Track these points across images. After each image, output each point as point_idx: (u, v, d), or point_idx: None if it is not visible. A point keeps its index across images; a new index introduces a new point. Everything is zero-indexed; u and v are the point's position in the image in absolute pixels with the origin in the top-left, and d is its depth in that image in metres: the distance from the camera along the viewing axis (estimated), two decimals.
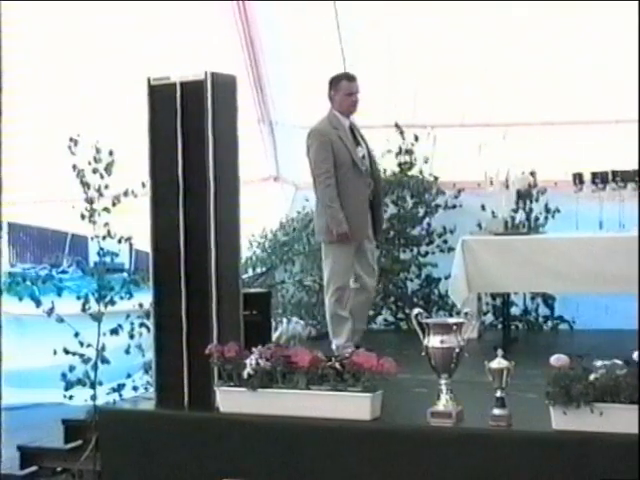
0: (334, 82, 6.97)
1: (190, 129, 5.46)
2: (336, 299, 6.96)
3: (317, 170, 6.90)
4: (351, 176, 6.84)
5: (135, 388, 6.24)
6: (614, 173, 7.52)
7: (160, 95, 5.55)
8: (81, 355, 6.00)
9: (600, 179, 7.50)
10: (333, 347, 6.94)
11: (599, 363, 4.67)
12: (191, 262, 5.50)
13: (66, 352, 6.10)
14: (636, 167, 7.55)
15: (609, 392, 4.53)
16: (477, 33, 8.51)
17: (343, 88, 6.93)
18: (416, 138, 8.77)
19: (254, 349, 5.22)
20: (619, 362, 4.64)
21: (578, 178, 7.15)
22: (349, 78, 6.99)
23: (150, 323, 5.77)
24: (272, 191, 9.92)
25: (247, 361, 5.17)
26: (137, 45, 8.00)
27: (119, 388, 6.20)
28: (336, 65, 9.06)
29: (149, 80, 5.59)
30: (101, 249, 6.00)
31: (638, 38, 7.56)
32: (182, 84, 5.50)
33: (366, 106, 7.25)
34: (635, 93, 7.81)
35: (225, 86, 5.54)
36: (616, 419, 4.50)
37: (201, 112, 5.42)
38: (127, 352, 6.36)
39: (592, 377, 4.58)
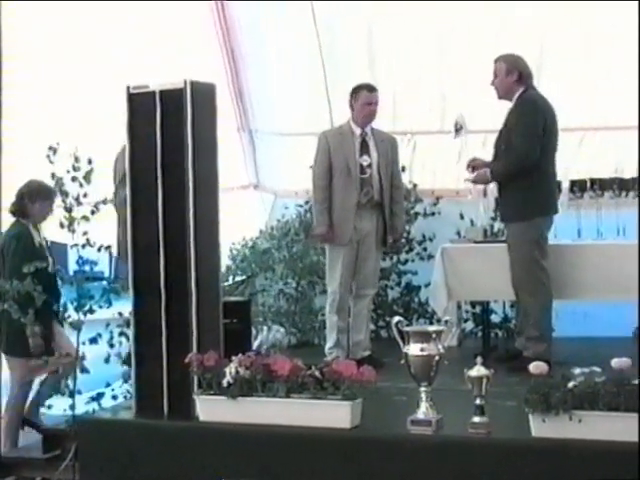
0: (355, 91, 7.12)
1: (169, 138, 5.46)
2: (329, 303, 7.10)
3: (313, 171, 7.17)
4: (342, 181, 6.99)
5: (114, 397, 6.23)
6: (592, 181, 7.57)
7: (139, 104, 5.54)
8: None
9: (578, 187, 7.55)
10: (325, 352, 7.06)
11: (578, 371, 4.70)
12: (171, 270, 5.50)
13: (45, 361, 6.09)
14: (612, 175, 7.60)
15: (588, 399, 4.56)
16: (458, 38, 8.55)
17: (362, 97, 7.07)
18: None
19: (234, 357, 5.22)
20: (597, 369, 4.67)
21: (557, 186, 7.18)
22: (370, 89, 7.12)
23: (130, 332, 5.76)
24: (252, 199, 9.92)
25: (227, 370, 5.17)
26: (116, 52, 7.98)
27: (98, 397, 6.18)
28: (316, 73, 9.10)
29: (128, 88, 5.58)
30: (80, 258, 5.99)
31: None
32: (161, 92, 5.49)
33: (345, 112, 7.28)
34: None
35: (204, 94, 5.54)
36: (595, 426, 4.53)
37: (180, 121, 5.41)
38: (106, 361, 6.35)
39: (571, 385, 4.61)
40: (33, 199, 6.61)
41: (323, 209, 7.01)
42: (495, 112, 7.10)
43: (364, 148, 7.09)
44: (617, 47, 8.14)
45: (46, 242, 6.64)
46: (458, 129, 7.57)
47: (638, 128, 7.70)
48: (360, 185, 7.00)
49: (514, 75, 6.78)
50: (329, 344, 7.08)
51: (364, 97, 7.07)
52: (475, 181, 7.15)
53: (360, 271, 7.10)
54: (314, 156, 7.20)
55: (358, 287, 7.13)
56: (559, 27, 8.24)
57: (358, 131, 7.11)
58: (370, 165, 7.07)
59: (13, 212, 6.63)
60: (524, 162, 6.63)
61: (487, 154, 7.17)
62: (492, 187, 7.30)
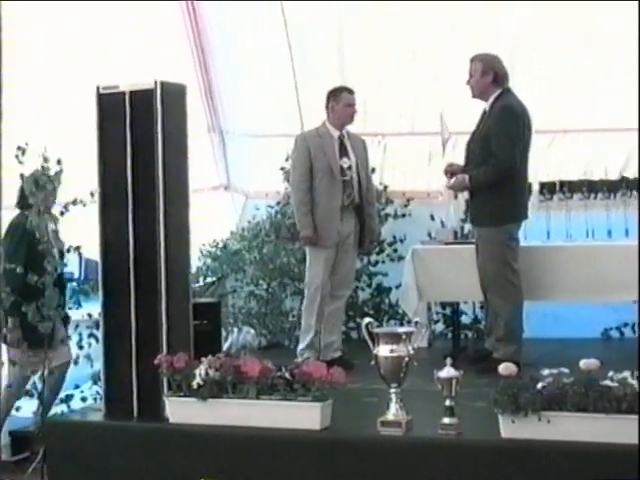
0: (335, 93, 7.13)
1: (139, 138, 5.45)
2: (307, 304, 7.09)
3: (293, 174, 7.19)
4: (326, 183, 6.99)
5: (84, 399, 6.21)
6: (561, 183, 7.62)
7: (109, 104, 5.53)
8: None
9: (548, 189, 7.59)
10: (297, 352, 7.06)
11: (546, 372, 4.73)
12: (141, 272, 5.49)
13: (13, 363, 6.05)
14: (581, 177, 7.66)
15: (556, 400, 4.60)
16: (430, 39, 8.55)
17: (344, 99, 7.09)
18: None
19: (204, 359, 5.22)
20: (566, 371, 4.70)
21: (527, 188, 7.21)
22: (349, 90, 7.15)
23: (99, 333, 5.73)
24: (222, 200, 9.91)
25: (197, 371, 5.17)
26: (86, 52, 7.93)
27: (67, 399, 6.17)
28: (286, 74, 9.09)
29: (98, 89, 5.56)
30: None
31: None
32: (131, 93, 5.48)
33: (315, 114, 7.29)
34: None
35: (175, 95, 5.54)
36: (563, 427, 4.57)
37: (150, 121, 5.41)
38: (75, 363, 6.33)
39: (539, 386, 4.64)
40: (33, 189, 6.46)
41: (307, 211, 6.98)
42: (466, 114, 7.12)
43: (343, 150, 7.11)
44: (588, 49, 8.17)
45: (55, 234, 6.45)
46: (447, 138, 7.58)
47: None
48: (342, 187, 7.02)
49: (490, 76, 6.78)
50: (302, 345, 7.08)
51: (345, 99, 7.08)
52: (453, 187, 7.14)
53: (337, 272, 7.11)
54: (292, 158, 7.20)
55: (334, 288, 7.13)
56: (531, 28, 8.25)
57: (336, 133, 7.11)
58: (350, 167, 7.09)
59: (18, 204, 6.47)
60: (506, 172, 6.64)
61: (457, 156, 7.19)
62: None
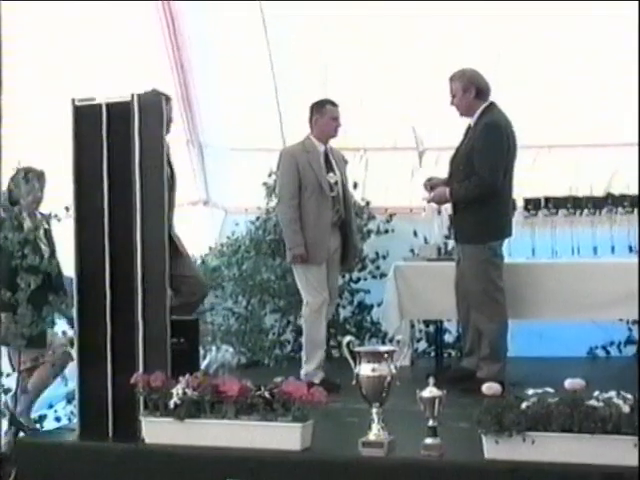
0: (318, 106, 7.10)
1: (116, 152, 5.44)
2: (310, 319, 7.01)
3: (281, 190, 7.12)
4: (315, 200, 6.96)
5: (58, 419, 6.17)
6: (546, 199, 7.65)
7: (85, 117, 5.51)
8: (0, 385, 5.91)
9: (533, 205, 7.62)
10: (302, 373, 6.95)
11: (531, 391, 4.73)
12: (117, 288, 5.46)
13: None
14: (566, 194, 7.69)
15: (541, 421, 4.60)
16: (412, 54, 8.61)
17: (329, 112, 7.07)
18: (345, 162, 8.85)
19: (181, 378, 5.20)
20: (551, 390, 4.71)
21: (511, 204, 7.24)
22: (333, 103, 7.13)
23: (73, 351, 5.71)
24: (201, 215, 9.89)
25: (174, 390, 5.14)
26: (63, 64, 7.93)
27: (40, 419, 6.12)
28: (267, 86, 9.11)
29: (73, 101, 5.55)
30: None
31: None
32: (108, 105, 5.47)
33: (297, 128, 7.30)
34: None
35: (153, 106, 5.52)
36: (548, 448, 4.56)
37: (127, 134, 5.40)
38: None
39: (524, 406, 4.64)
40: (19, 184, 6.44)
41: (298, 229, 6.92)
42: (449, 129, 7.16)
43: (328, 165, 7.11)
44: (572, 65, 8.25)
45: (46, 231, 6.40)
46: (422, 151, 7.61)
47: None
48: (332, 203, 7.02)
49: (472, 92, 6.81)
50: (312, 366, 6.98)
51: (330, 112, 7.07)
52: (433, 200, 7.16)
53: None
54: (278, 174, 7.15)
55: None
56: (514, 44, 8.32)
57: (322, 147, 7.10)
58: (336, 182, 7.09)
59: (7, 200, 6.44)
60: (487, 190, 6.67)
61: (440, 172, 7.21)
62: (447, 205, 7.34)
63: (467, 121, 6.90)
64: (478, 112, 6.82)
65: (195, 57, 9.41)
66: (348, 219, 7.15)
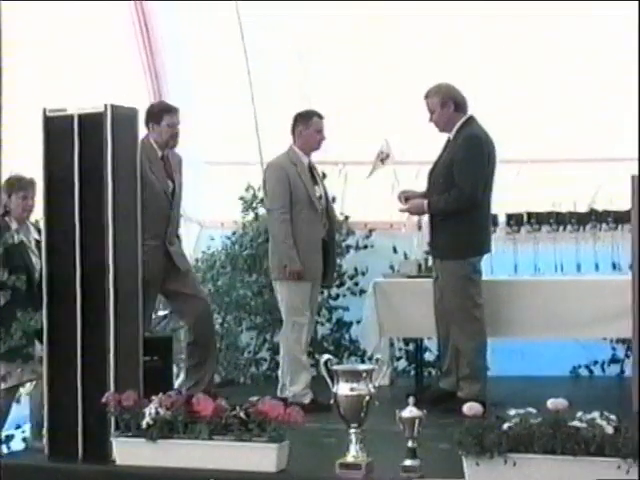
0: (304, 118, 7.08)
1: (88, 165, 5.42)
2: (295, 339, 6.97)
3: (272, 205, 7.03)
4: (306, 214, 6.94)
5: (25, 440, 6.12)
6: (529, 215, 7.66)
7: (56, 128, 5.50)
8: None
9: (515, 221, 7.63)
10: (288, 395, 6.89)
11: (513, 412, 4.73)
12: (88, 304, 5.44)
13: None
14: (549, 209, 7.70)
15: (523, 442, 4.59)
16: (392, 67, 8.62)
17: (314, 124, 7.06)
18: (324, 175, 8.85)
19: (154, 397, 5.19)
20: (533, 410, 4.71)
21: (492, 220, 7.25)
22: (319, 115, 7.11)
23: (42, 369, 5.67)
24: None
25: (146, 410, 5.13)
26: (35, 73, 7.91)
27: (7, 440, 6.07)
28: (244, 98, 9.09)
29: (45, 111, 5.53)
30: None
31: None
32: (80, 116, 5.46)
33: (272, 141, 7.28)
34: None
35: (126, 119, 5.52)
36: (530, 470, 4.56)
37: (100, 146, 5.38)
38: (17, 401, 6.24)
39: (505, 426, 4.63)
40: (9, 193, 6.40)
41: (292, 244, 6.86)
42: (428, 143, 7.17)
43: (314, 178, 7.11)
44: (556, 78, 8.29)
45: (37, 242, 6.34)
46: (383, 158, 7.61)
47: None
48: (321, 218, 7.02)
49: (450, 106, 6.85)
50: (299, 387, 6.94)
51: (316, 124, 7.06)
52: (409, 211, 7.17)
53: None
54: (269, 187, 7.05)
55: None
56: (496, 56, 8.36)
57: (306, 160, 7.09)
58: (321, 197, 7.09)
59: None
60: (467, 203, 6.69)
61: (420, 186, 7.21)
62: (427, 220, 7.35)
63: (447, 135, 6.93)
64: (457, 125, 6.86)
65: (170, 66, 9.39)
66: (332, 234, 7.14)
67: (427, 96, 6.92)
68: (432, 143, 7.09)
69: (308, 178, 7.03)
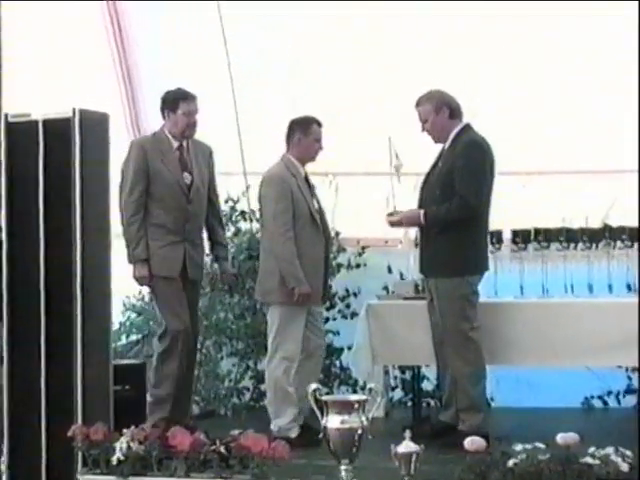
0: (303, 125, 7.04)
1: (54, 174, 5.43)
2: (284, 369, 6.92)
3: (276, 221, 6.94)
4: (308, 231, 6.93)
5: None
6: (537, 231, 7.66)
7: (19, 135, 5.51)
8: None
9: (521, 238, 7.62)
10: (273, 428, 6.87)
11: (519, 447, 4.73)
12: (53, 328, 5.43)
13: None
14: (559, 225, 7.72)
15: None
16: (393, 70, 8.70)
17: (314, 133, 7.04)
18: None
19: (125, 431, 5.17)
20: (541, 446, 4.70)
21: (496, 236, 7.26)
22: (319, 123, 7.09)
23: (3, 399, 5.65)
24: None
25: (117, 445, 5.12)
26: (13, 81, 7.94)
27: None
28: (225, 105, 9.10)
29: (6, 117, 5.54)
30: None
31: (638, 57, 7.80)
32: (45, 122, 5.46)
33: (257, 151, 7.28)
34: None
35: (96, 125, 5.53)
36: None
37: (67, 154, 5.38)
38: None
39: (511, 463, 4.63)
40: None
41: (298, 264, 6.83)
42: (428, 152, 7.18)
43: (310, 190, 7.11)
44: (567, 85, 8.39)
45: None
46: (398, 165, 7.62)
47: (638, 172, 7.83)
48: (322, 234, 7.03)
49: (445, 112, 6.87)
50: (285, 420, 6.89)
51: (315, 132, 7.04)
52: (402, 222, 7.14)
53: (308, 324, 7.02)
54: (268, 201, 6.99)
55: (307, 341, 7.02)
56: (496, 56, 8.48)
57: (302, 171, 7.08)
58: (318, 210, 7.09)
59: None
60: (470, 212, 6.71)
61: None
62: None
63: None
64: (453, 133, 6.88)
65: (145, 70, 9.42)
66: (327, 252, 7.15)
67: (418, 104, 6.95)
68: (431, 152, 7.10)
69: (307, 191, 7.03)
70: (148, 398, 6.97)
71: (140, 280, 6.97)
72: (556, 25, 8.35)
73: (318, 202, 7.16)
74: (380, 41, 8.67)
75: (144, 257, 6.83)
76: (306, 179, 7.11)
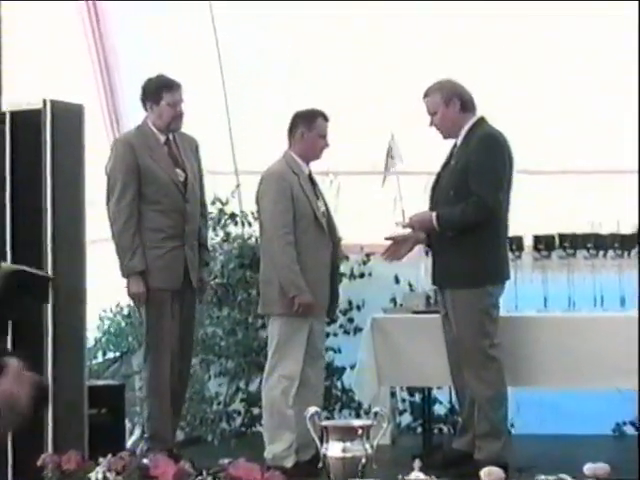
0: (307, 118, 7.04)
1: (22, 171, 5.42)
2: (282, 390, 6.91)
3: (274, 222, 6.94)
4: (312, 234, 6.95)
5: None
6: (562, 237, 7.63)
7: None
8: None
9: (545, 245, 7.60)
10: (267, 456, 6.87)
11: (542, 478, 4.71)
12: (21, 344, 5.39)
13: None
14: (586, 231, 7.71)
15: None
16: (393, 63, 8.77)
17: (318, 127, 7.04)
18: None
19: (102, 459, 5.14)
20: (567, 477, 4.68)
21: (516, 243, 7.23)
22: (325, 117, 7.08)
23: None
24: None
25: (92, 475, 5.09)
26: None
27: None
28: (215, 99, 9.13)
29: None
30: None
31: (638, 57, 7.90)
32: (13, 114, 5.46)
33: (255, 150, 7.28)
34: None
35: (69, 117, 5.53)
36: None
37: (38, 148, 5.38)
38: None
39: None
40: None
41: (298, 270, 6.83)
42: (437, 149, 7.18)
43: (315, 190, 7.11)
44: (555, 79, 8.62)
45: None
46: (392, 156, 7.58)
47: (638, 174, 7.84)
48: (328, 239, 7.04)
49: (456, 104, 6.85)
50: (280, 447, 6.88)
51: (320, 127, 7.04)
52: (411, 226, 7.08)
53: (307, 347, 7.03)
54: (267, 202, 7.00)
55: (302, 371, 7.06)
56: (496, 56, 8.67)
57: (306, 170, 7.08)
58: (324, 213, 7.10)
59: None
60: (489, 214, 6.68)
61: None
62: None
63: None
64: (466, 128, 6.85)
65: (124, 60, 9.45)
66: (335, 258, 7.15)
67: (427, 95, 6.92)
68: (442, 149, 7.10)
69: (311, 191, 7.03)
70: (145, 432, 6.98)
71: (135, 297, 6.88)
72: (556, 25, 8.57)
73: (325, 203, 7.14)
74: (380, 41, 8.84)
75: (141, 269, 6.75)
76: (310, 178, 7.10)
